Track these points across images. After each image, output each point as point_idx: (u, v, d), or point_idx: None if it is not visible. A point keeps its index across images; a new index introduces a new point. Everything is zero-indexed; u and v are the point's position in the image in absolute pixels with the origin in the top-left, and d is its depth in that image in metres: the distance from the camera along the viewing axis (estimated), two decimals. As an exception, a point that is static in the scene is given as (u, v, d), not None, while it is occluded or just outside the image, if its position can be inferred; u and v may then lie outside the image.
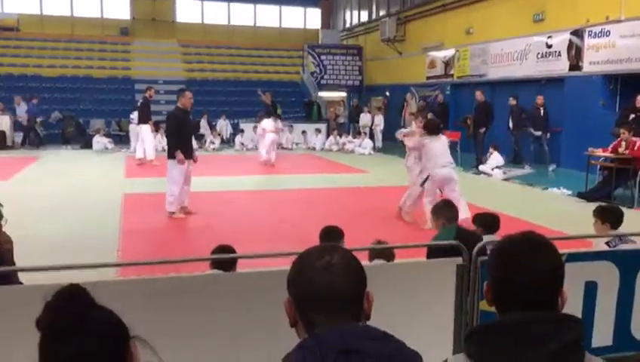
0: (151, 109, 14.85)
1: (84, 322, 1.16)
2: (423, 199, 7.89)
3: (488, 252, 2.55)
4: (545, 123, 13.51)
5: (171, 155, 8.28)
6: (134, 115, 15.96)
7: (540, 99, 13.50)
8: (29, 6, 25.24)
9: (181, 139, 8.29)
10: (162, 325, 2.32)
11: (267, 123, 15.12)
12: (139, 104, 15.15)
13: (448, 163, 7.80)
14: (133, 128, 16.55)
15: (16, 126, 18.30)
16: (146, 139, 14.52)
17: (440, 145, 7.84)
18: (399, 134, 8.86)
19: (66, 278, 1.87)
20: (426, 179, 7.87)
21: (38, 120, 18.53)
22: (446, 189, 7.67)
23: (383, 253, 3.86)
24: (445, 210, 4.43)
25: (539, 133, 13.62)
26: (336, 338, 1.24)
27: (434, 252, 3.69)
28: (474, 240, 3.15)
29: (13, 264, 3.47)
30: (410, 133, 8.58)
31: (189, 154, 8.38)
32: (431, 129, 7.96)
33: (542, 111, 13.52)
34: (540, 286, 1.38)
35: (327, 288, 1.30)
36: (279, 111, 18.97)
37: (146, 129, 14.47)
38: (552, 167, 13.33)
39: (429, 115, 16.82)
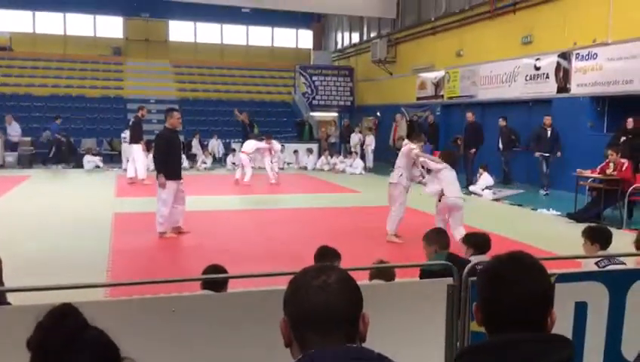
0: (143, 129, 14.86)
1: (75, 342, 1.15)
2: (435, 217, 8.07)
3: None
4: (553, 143, 12.86)
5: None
6: (126, 134, 15.95)
7: (547, 120, 12.98)
8: (21, 25, 25.33)
9: (170, 159, 8.22)
10: (152, 346, 2.30)
11: (246, 144, 15.26)
12: (130, 123, 15.16)
13: (459, 192, 8.14)
14: (125, 147, 16.54)
15: (7, 145, 18.22)
16: (138, 159, 14.50)
17: (453, 175, 8.14)
18: (421, 156, 8.59)
19: (56, 298, 1.86)
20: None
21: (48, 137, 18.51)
22: (451, 214, 7.91)
23: (384, 273, 3.86)
24: (438, 237, 4.55)
25: (546, 155, 12.93)
26: (330, 360, 1.23)
27: (427, 275, 3.74)
28: (466, 265, 3.19)
29: (2, 284, 3.44)
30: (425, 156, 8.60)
31: (178, 174, 8.30)
32: (451, 160, 8.29)
33: (549, 132, 12.94)
34: (528, 307, 1.39)
35: (323, 308, 1.29)
36: (256, 130, 19.07)
37: (138, 148, 14.46)
38: (544, 192, 13.00)
39: (421, 136, 16.98)
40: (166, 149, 8.21)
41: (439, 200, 8.00)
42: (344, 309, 1.31)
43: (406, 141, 8.73)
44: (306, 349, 1.29)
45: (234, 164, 18.87)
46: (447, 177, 7.98)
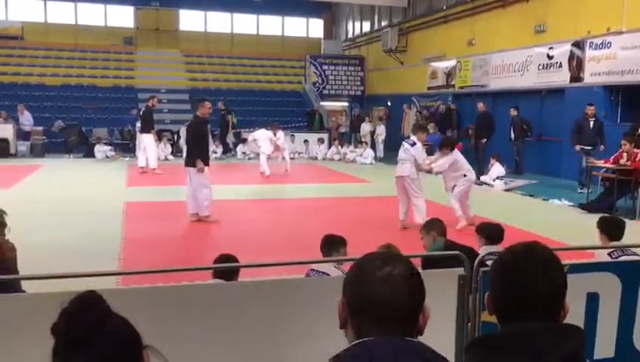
0: (154, 118, 14.90)
1: (100, 329, 1.17)
2: (455, 204, 8.49)
3: (491, 263, 2.55)
4: (596, 136, 11.42)
5: (191, 163, 8.51)
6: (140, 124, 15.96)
7: (590, 109, 11.52)
8: (33, 14, 25.40)
9: (203, 146, 8.68)
10: (163, 334, 2.32)
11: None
12: (141, 113, 15.18)
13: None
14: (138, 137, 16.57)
15: (19, 134, 18.36)
16: (149, 148, 14.55)
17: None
18: (429, 166, 8.81)
19: (68, 286, 1.87)
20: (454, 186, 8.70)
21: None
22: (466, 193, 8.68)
23: None
24: (437, 225, 4.74)
25: (589, 148, 11.34)
26: (388, 352, 1.22)
27: (429, 264, 3.76)
28: (463, 252, 3.23)
29: (17, 272, 3.49)
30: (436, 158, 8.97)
31: (207, 161, 8.69)
32: (452, 145, 8.92)
33: (592, 123, 11.49)
34: (542, 299, 1.38)
35: (384, 300, 1.27)
36: (234, 119, 18.94)
37: (149, 138, 14.51)
38: (580, 190, 11.47)
39: (431, 125, 16.93)
40: (198, 137, 8.62)
41: (454, 185, 8.56)
42: (406, 303, 1.29)
43: (412, 138, 8.68)
44: (361, 336, 1.28)
45: (244, 153, 18.92)
46: (460, 161, 8.67)
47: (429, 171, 8.86)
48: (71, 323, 1.16)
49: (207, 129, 9.08)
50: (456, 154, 8.71)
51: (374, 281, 1.28)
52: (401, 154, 8.61)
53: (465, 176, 8.59)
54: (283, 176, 14.43)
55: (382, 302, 1.27)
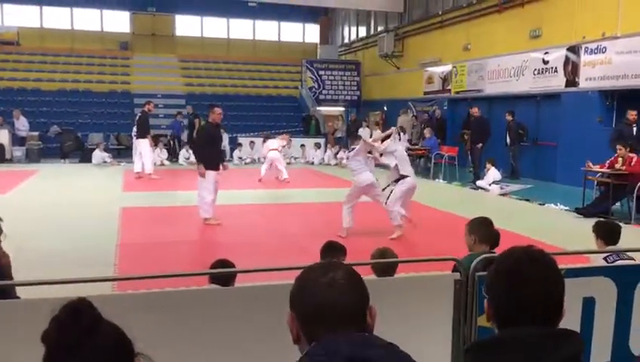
0: (150, 123, 14.88)
1: (91, 337, 1.16)
2: (394, 211, 8.04)
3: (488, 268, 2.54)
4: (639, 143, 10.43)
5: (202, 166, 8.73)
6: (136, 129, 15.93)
7: (632, 114, 10.75)
8: (29, 20, 25.37)
9: (213, 151, 8.88)
10: (159, 340, 2.31)
11: (271, 142, 15.25)
12: (137, 118, 15.16)
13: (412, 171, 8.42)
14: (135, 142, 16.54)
15: (15, 139, 18.30)
16: (145, 153, 14.54)
17: (405, 154, 8.48)
18: (373, 144, 8.39)
19: (63, 292, 1.86)
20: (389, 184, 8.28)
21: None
22: (407, 196, 8.18)
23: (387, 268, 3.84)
24: (480, 229, 3.92)
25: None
26: (344, 346, 1.24)
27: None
28: None
29: (11, 278, 3.47)
30: (375, 140, 8.44)
31: (218, 164, 8.87)
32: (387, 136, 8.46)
33: (634, 129, 10.77)
34: (544, 304, 1.39)
35: (332, 304, 1.31)
36: (202, 123, 18.68)
37: (145, 143, 14.48)
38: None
39: (427, 130, 16.96)
40: (209, 142, 8.82)
41: (396, 182, 8.09)
42: (353, 304, 1.33)
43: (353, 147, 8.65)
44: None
45: (240, 158, 18.90)
46: (402, 153, 8.28)
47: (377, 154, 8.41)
48: (61, 331, 1.15)
49: (219, 133, 9.27)
50: (402, 151, 8.44)
51: (319, 288, 1.32)
52: (351, 165, 8.40)
53: (403, 177, 8.07)
54: (280, 182, 14.41)
55: (330, 305, 1.31)
